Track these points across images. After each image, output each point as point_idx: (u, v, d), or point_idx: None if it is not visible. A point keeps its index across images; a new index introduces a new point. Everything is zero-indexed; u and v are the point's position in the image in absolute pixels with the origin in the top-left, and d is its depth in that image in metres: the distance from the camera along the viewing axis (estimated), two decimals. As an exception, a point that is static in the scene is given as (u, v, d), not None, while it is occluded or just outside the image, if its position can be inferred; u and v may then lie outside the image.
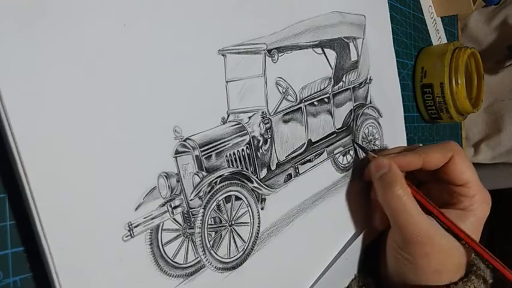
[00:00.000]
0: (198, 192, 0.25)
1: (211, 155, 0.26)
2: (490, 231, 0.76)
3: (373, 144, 0.41)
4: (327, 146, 0.35)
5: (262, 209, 0.28)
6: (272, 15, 0.30)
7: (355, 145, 0.38)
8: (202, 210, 0.25)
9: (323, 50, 0.35)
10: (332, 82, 0.36)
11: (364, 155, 0.38)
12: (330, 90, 0.36)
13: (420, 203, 0.33)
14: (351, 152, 0.38)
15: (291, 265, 0.30)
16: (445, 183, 0.35)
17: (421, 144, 0.50)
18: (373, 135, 0.41)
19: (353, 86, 0.38)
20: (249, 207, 0.28)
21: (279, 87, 0.30)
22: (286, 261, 0.30)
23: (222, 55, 0.26)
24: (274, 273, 0.29)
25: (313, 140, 0.34)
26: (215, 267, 0.25)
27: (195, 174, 0.25)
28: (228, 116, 0.27)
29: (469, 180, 0.34)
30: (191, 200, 0.24)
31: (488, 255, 0.32)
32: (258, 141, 0.29)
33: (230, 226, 0.26)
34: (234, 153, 0.27)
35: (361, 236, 0.37)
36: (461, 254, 0.33)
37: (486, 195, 0.34)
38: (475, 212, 0.33)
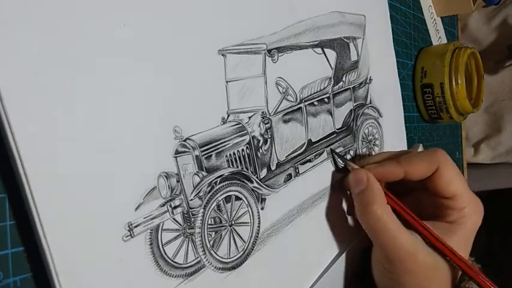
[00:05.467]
0: (198, 192, 0.25)
1: (211, 155, 0.26)
2: (490, 231, 0.76)
3: (373, 144, 0.41)
4: (327, 146, 0.35)
5: (262, 209, 0.28)
6: (272, 15, 0.30)
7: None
8: (202, 210, 0.25)
9: (323, 50, 0.35)
10: (332, 82, 0.36)
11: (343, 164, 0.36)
12: (330, 90, 0.36)
13: (403, 217, 0.31)
14: (351, 152, 0.38)
15: (291, 265, 0.30)
16: (433, 194, 0.33)
17: (420, 145, 0.50)
18: (373, 135, 0.41)
19: (353, 86, 0.38)
20: (249, 207, 0.28)
21: (279, 87, 0.30)
22: (286, 261, 0.30)
23: (222, 55, 0.26)
24: (274, 273, 0.29)
25: (313, 140, 0.34)
26: (215, 267, 0.25)
27: (195, 174, 0.25)
28: (228, 116, 0.27)
29: (457, 193, 0.32)
30: (191, 200, 0.24)
31: (472, 272, 0.31)
32: (258, 141, 0.29)
33: (230, 226, 0.26)
34: (234, 153, 0.27)
35: (360, 237, 0.37)
36: (448, 270, 0.31)
37: (477, 205, 0.33)
38: (464, 225, 0.32)
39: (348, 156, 0.37)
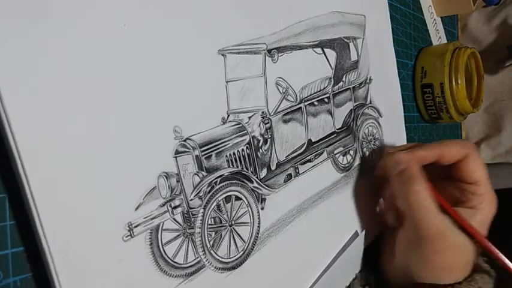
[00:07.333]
0: (198, 192, 0.25)
1: (211, 155, 0.26)
2: (490, 231, 0.76)
3: (373, 144, 0.41)
4: (327, 146, 0.35)
5: (262, 209, 0.28)
6: (272, 15, 0.30)
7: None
8: (202, 210, 0.25)
9: (323, 50, 0.35)
10: (332, 82, 0.36)
11: (366, 155, 0.38)
12: (330, 90, 0.36)
13: (435, 200, 0.33)
14: (351, 152, 0.38)
15: (291, 265, 0.30)
16: (456, 180, 0.35)
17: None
18: (373, 135, 0.41)
19: (353, 86, 0.38)
20: (249, 207, 0.28)
21: (279, 87, 0.30)
22: (286, 261, 0.30)
23: (222, 55, 0.26)
24: (274, 273, 0.29)
25: (313, 140, 0.34)
26: (215, 267, 0.25)
27: (195, 174, 0.25)
28: (228, 116, 0.27)
29: (480, 180, 0.34)
30: (191, 200, 0.24)
31: (498, 254, 0.33)
32: (258, 141, 0.29)
33: (230, 226, 0.26)
34: (234, 153, 0.27)
35: (361, 236, 0.37)
36: (471, 252, 0.33)
37: (493, 195, 0.35)
38: (483, 211, 0.34)
39: (348, 157, 0.37)
